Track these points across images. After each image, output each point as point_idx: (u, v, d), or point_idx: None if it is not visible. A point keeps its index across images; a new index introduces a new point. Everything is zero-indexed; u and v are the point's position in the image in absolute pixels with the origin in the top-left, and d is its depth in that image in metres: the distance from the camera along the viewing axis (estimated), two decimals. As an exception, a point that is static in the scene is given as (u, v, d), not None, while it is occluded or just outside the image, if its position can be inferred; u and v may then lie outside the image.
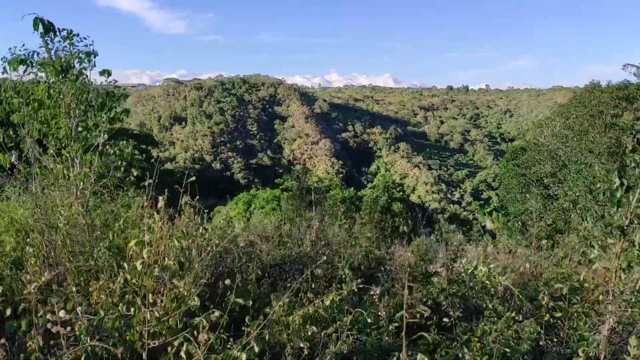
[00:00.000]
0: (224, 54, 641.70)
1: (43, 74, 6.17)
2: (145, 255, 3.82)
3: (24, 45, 6.03)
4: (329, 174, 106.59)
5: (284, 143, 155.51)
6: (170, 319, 3.75)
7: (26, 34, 6.15)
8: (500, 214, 39.31)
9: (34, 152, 5.99)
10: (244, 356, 3.47)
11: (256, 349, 3.54)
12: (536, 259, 7.94)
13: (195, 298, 3.90)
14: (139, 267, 3.80)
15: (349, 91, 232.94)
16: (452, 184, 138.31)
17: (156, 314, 3.68)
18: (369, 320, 5.00)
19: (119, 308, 3.75)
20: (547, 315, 5.16)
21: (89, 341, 3.39)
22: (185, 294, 3.91)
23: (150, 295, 3.77)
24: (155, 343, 3.62)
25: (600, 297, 5.05)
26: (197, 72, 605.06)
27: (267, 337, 3.92)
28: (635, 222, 4.41)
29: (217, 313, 3.73)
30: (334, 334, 4.24)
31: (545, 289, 5.46)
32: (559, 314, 5.14)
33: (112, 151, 6.04)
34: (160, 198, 4.18)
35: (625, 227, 4.37)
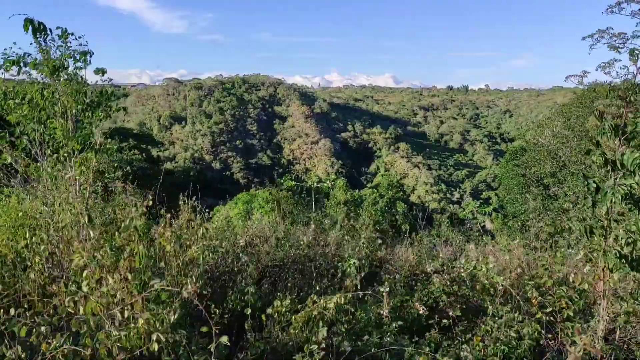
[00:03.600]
0: (224, 54, 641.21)
1: (36, 74, 6.16)
2: (85, 277, 3.72)
3: (15, 43, 6.03)
4: (328, 174, 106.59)
5: (284, 143, 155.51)
6: (130, 337, 3.60)
7: (23, 33, 6.14)
8: (500, 214, 39.29)
9: (37, 151, 5.99)
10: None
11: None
12: (534, 259, 7.94)
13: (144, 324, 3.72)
14: (85, 289, 3.70)
15: (348, 91, 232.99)
16: (452, 184, 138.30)
17: (114, 332, 3.57)
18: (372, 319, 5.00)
19: (89, 323, 3.63)
20: (539, 312, 5.16)
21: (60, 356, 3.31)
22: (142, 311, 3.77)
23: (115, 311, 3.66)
24: (121, 357, 3.52)
25: (592, 295, 5.09)
26: (197, 72, 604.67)
27: (269, 338, 3.89)
28: (613, 222, 4.45)
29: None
30: (336, 334, 4.24)
31: (532, 284, 5.48)
32: (548, 309, 5.15)
33: (108, 150, 6.02)
34: (87, 215, 4.04)
35: (605, 227, 4.41)
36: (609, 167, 4.32)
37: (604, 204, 4.30)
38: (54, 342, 3.32)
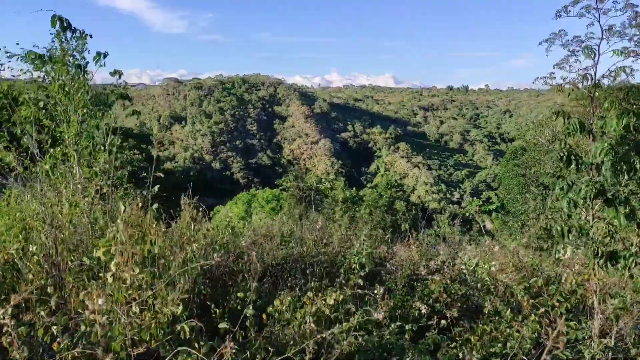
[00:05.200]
0: (224, 54, 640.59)
1: (46, 72, 6.20)
2: (113, 268, 3.76)
3: (18, 45, 6.08)
4: (328, 174, 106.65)
5: (284, 143, 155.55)
6: (151, 327, 3.66)
7: (24, 32, 6.17)
8: (500, 214, 39.32)
9: (36, 150, 6.00)
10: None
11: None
12: (533, 259, 7.95)
13: (170, 307, 3.79)
14: (110, 280, 3.74)
15: (348, 91, 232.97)
16: (452, 184, 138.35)
17: (133, 324, 3.62)
18: (373, 319, 5.00)
19: (98, 318, 3.65)
20: (532, 315, 5.16)
21: (69, 356, 3.34)
22: (167, 300, 3.82)
23: (123, 305, 3.68)
24: (138, 350, 3.56)
25: (582, 293, 5.11)
26: (197, 72, 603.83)
27: (270, 337, 3.90)
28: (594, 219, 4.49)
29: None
30: (339, 335, 4.24)
31: (521, 287, 5.47)
32: (541, 310, 5.16)
33: (114, 150, 6.06)
34: (120, 204, 4.11)
35: (583, 227, 4.45)
36: (574, 164, 4.37)
37: (578, 200, 4.33)
38: (64, 342, 3.34)
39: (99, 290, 3.76)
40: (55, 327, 3.44)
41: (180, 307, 3.79)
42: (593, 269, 4.55)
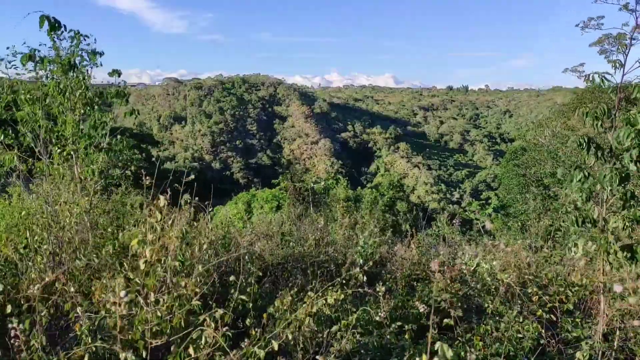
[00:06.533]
0: (224, 54, 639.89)
1: (43, 72, 6.19)
2: (148, 254, 3.82)
3: (24, 43, 6.05)
4: (328, 173, 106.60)
5: (284, 143, 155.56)
6: (173, 319, 3.74)
7: (27, 33, 6.15)
8: (499, 214, 39.30)
9: (41, 149, 6.01)
10: (262, 353, 3.50)
11: (275, 347, 3.57)
12: (531, 255, 7.95)
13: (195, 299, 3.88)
14: (142, 266, 3.81)
15: (348, 91, 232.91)
16: (452, 184, 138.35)
17: (158, 313, 3.68)
18: (373, 319, 5.00)
19: (120, 307, 3.73)
20: (540, 310, 5.17)
21: (90, 341, 3.39)
22: (189, 292, 3.91)
23: (152, 294, 3.78)
24: (157, 342, 3.62)
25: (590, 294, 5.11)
26: (197, 72, 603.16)
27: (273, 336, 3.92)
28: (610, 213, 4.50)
29: (220, 311, 3.74)
30: (337, 333, 4.24)
31: (532, 279, 5.49)
32: (548, 305, 5.17)
33: (115, 148, 6.07)
34: (162, 197, 4.18)
35: (596, 219, 4.45)
36: (595, 153, 4.37)
37: (603, 188, 4.32)
38: (85, 325, 3.38)
39: (121, 280, 3.81)
40: (80, 307, 3.50)
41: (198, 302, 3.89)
42: (602, 266, 4.55)
